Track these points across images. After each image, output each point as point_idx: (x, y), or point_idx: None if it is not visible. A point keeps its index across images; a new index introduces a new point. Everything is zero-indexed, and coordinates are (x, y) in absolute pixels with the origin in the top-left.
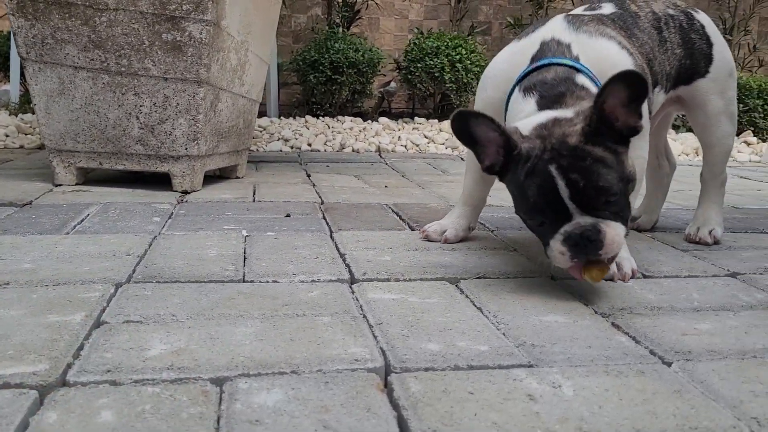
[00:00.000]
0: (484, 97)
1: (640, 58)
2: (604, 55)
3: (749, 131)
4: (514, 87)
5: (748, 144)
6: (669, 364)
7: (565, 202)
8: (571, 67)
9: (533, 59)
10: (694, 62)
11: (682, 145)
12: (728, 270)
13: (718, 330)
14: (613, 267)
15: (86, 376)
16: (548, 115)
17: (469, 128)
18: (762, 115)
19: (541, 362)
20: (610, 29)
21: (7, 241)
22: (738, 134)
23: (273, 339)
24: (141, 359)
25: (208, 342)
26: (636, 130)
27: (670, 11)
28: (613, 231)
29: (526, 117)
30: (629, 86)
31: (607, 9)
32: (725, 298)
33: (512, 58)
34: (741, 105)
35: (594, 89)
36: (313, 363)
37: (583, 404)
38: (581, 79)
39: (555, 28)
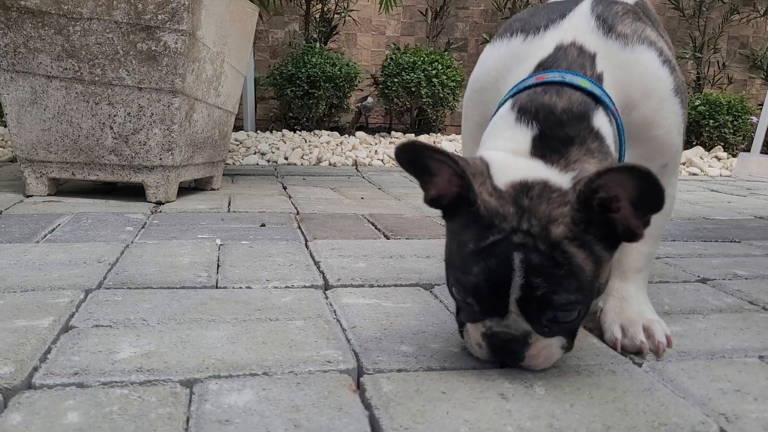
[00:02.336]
0: (468, 125)
1: (677, 68)
2: (639, 76)
3: (719, 146)
4: (505, 100)
5: (719, 159)
6: (639, 365)
7: (509, 300)
8: (589, 94)
9: (540, 67)
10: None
11: None
12: (698, 276)
13: (688, 332)
14: (639, 334)
15: (53, 379)
16: (539, 172)
17: (417, 160)
18: (731, 131)
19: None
20: (649, 29)
21: None
22: (708, 149)
23: (245, 342)
24: (109, 362)
25: (179, 345)
26: (635, 238)
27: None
28: (544, 349)
29: (508, 151)
30: (645, 189)
31: None
32: (695, 303)
33: (508, 60)
34: (711, 121)
35: (609, 139)
36: (285, 365)
37: (554, 402)
38: (599, 119)
39: (578, 26)
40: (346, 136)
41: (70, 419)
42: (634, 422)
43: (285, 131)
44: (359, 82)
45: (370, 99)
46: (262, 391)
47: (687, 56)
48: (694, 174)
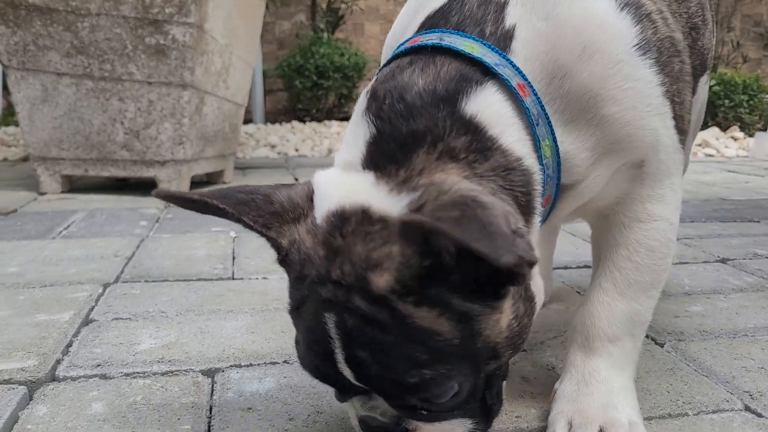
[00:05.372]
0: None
1: (671, 24)
2: (575, 28)
3: (735, 126)
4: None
5: (735, 139)
6: (662, 345)
7: (345, 375)
8: (476, 64)
9: (424, 25)
10: (707, 41)
11: None
12: (718, 256)
13: (709, 312)
14: None
15: (76, 371)
16: (360, 195)
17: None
18: (747, 111)
19: (536, 347)
20: None
21: None
22: (724, 130)
23: (264, 331)
24: (131, 353)
25: (199, 336)
26: (517, 279)
27: None
28: None
29: (343, 161)
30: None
31: None
32: (716, 283)
33: (409, 17)
34: (727, 101)
35: (500, 127)
36: None
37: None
38: (480, 100)
39: None
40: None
41: (94, 409)
42: (657, 402)
43: (295, 123)
44: (368, 71)
45: None
46: (284, 379)
47: None
48: (710, 155)
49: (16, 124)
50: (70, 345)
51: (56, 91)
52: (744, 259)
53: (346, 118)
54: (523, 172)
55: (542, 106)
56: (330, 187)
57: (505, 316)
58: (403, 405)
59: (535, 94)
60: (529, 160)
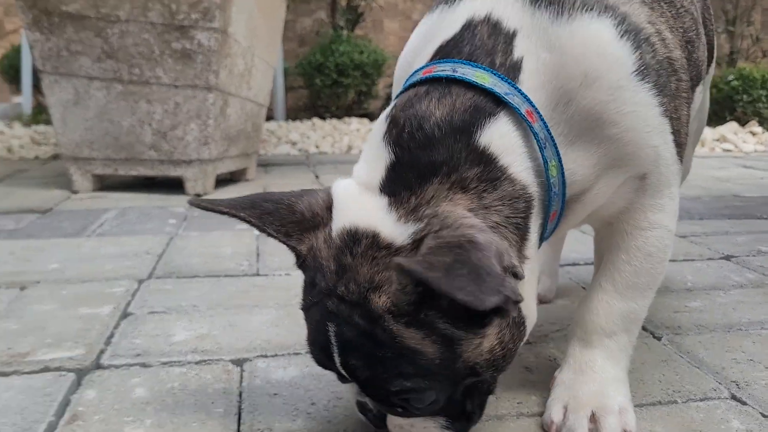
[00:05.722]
0: None
1: (670, 42)
2: (577, 57)
3: (754, 121)
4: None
5: (754, 134)
6: (659, 338)
7: (341, 371)
8: (487, 94)
9: (439, 52)
10: (701, 53)
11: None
12: (722, 253)
13: (708, 307)
14: (581, 425)
15: (119, 360)
16: (374, 219)
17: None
18: (766, 105)
19: (540, 340)
20: None
21: (33, 244)
22: (743, 124)
23: (287, 325)
24: (167, 344)
25: (228, 328)
26: (503, 314)
27: None
28: (399, 429)
29: (362, 181)
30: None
31: None
32: (717, 279)
33: (421, 42)
34: (745, 96)
35: (510, 156)
36: None
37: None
38: (493, 131)
39: None
40: (376, 122)
41: (137, 394)
42: (649, 390)
43: (315, 120)
44: (387, 68)
45: None
46: (306, 368)
47: (719, 30)
48: (728, 150)
49: (46, 123)
50: (111, 336)
51: (87, 95)
52: (748, 255)
53: (366, 115)
54: (526, 199)
55: (548, 130)
56: (347, 203)
57: (487, 341)
58: (383, 402)
59: (542, 120)
60: (533, 188)
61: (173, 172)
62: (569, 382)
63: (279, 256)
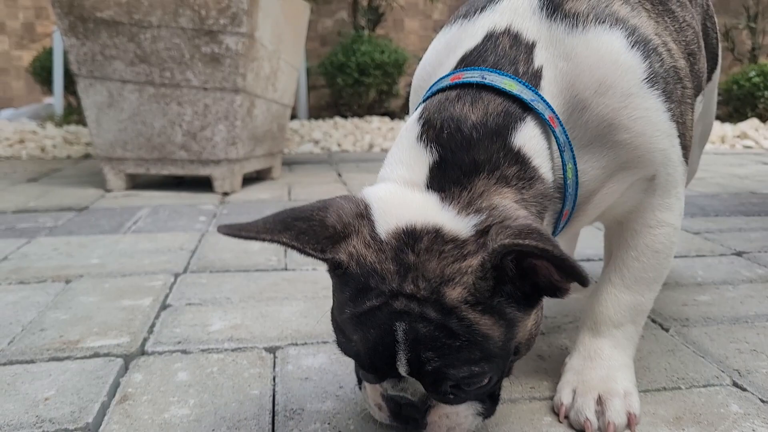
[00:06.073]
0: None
1: (675, 53)
2: (591, 66)
3: None
4: (418, 105)
5: None
6: (667, 330)
7: (399, 370)
8: (515, 100)
9: (463, 62)
10: (702, 65)
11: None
12: (735, 249)
13: (716, 301)
14: (588, 407)
15: (161, 347)
16: (431, 215)
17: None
18: None
19: (553, 330)
20: (619, 1)
21: (74, 240)
22: (764, 121)
23: (315, 316)
24: (205, 333)
25: (260, 319)
26: (561, 294)
27: None
28: (447, 418)
29: (402, 182)
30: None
31: None
32: (727, 274)
33: (442, 53)
34: (767, 92)
35: (539, 158)
36: None
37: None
38: (524, 135)
39: (518, 6)
40: (397, 120)
41: (180, 378)
42: (655, 377)
43: (337, 119)
44: (408, 68)
45: None
46: (333, 355)
47: (741, 26)
48: (749, 147)
49: (77, 124)
50: (153, 326)
51: (121, 97)
52: (759, 252)
53: (387, 114)
54: (549, 197)
55: (566, 135)
56: (392, 204)
57: (530, 320)
58: (436, 391)
59: (561, 125)
60: (552, 187)
61: (202, 171)
62: (578, 367)
63: None
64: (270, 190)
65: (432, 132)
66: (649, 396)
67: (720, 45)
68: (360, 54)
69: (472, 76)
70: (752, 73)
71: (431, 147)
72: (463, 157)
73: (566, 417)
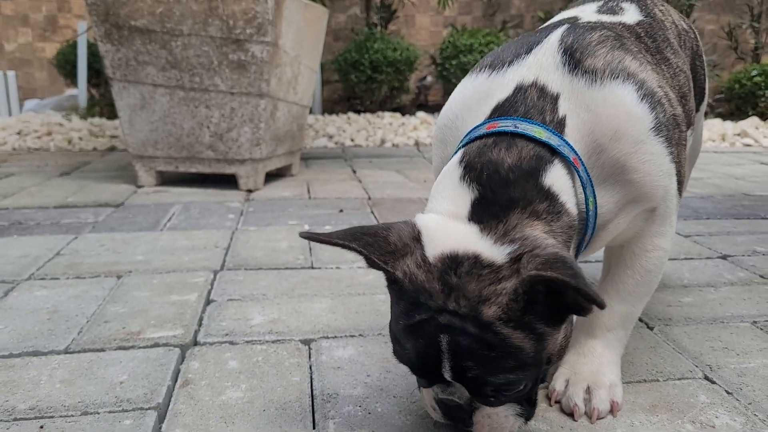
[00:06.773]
0: (435, 162)
1: (673, 101)
2: (608, 116)
3: None
4: (459, 148)
5: None
6: (651, 328)
7: (445, 376)
8: (545, 145)
9: (496, 111)
10: (691, 103)
11: (709, 132)
12: (720, 253)
13: (698, 302)
14: (577, 395)
15: (211, 338)
16: (471, 244)
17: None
18: None
19: None
20: (630, 57)
21: (117, 237)
22: (765, 120)
23: (342, 312)
24: (248, 326)
25: (294, 314)
26: (585, 313)
27: (683, 25)
28: (489, 418)
29: (447, 214)
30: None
31: (632, 15)
32: (711, 277)
33: (470, 100)
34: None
35: (565, 195)
36: (375, 328)
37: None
38: (553, 175)
39: (543, 62)
40: (407, 116)
41: (231, 365)
42: (637, 370)
43: (350, 114)
44: (419, 65)
45: (429, 77)
46: (360, 348)
47: (744, 26)
48: (748, 145)
49: (100, 116)
50: (201, 319)
51: (153, 100)
52: (743, 255)
53: (398, 109)
54: (574, 228)
55: (588, 174)
56: (438, 232)
57: (560, 335)
58: (479, 394)
59: (584, 165)
60: (576, 219)
61: (228, 169)
62: (573, 362)
63: (328, 251)
64: (291, 188)
65: (473, 173)
66: (630, 387)
67: (707, 80)
68: (373, 52)
69: (506, 125)
70: (754, 72)
71: (473, 186)
72: (500, 194)
73: (557, 402)
